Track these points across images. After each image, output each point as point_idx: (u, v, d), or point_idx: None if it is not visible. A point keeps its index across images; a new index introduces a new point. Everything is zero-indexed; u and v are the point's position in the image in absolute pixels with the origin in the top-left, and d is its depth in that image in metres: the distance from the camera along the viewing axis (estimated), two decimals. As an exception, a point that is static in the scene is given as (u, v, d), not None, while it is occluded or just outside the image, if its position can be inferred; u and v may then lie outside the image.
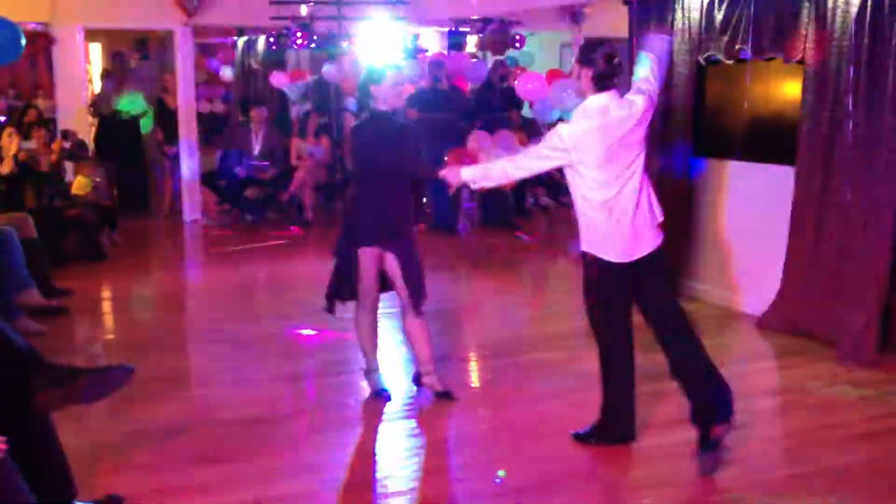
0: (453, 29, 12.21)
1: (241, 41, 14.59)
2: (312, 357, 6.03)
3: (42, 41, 10.47)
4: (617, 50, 4.24)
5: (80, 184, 9.18)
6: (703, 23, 6.97)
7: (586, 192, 4.26)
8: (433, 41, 13.26)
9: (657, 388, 4.93)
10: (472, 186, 4.74)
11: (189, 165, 11.27)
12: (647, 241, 4.33)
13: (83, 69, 11.01)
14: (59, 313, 6.81)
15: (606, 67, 4.19)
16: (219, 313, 7.30)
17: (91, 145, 10.93)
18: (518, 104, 11.29)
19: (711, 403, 4.26)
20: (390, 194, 4.96)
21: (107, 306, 7.81)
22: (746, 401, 5.22)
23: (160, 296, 7.97)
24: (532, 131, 11.59)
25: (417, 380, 5.30)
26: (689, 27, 7.10)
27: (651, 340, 4.43)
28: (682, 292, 7.45)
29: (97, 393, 3.57)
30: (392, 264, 4.98)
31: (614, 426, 4.53)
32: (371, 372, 5.24)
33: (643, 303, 4.43)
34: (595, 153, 4.16)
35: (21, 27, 6.74)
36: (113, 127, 11.73)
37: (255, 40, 13.89)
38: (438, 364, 5.30)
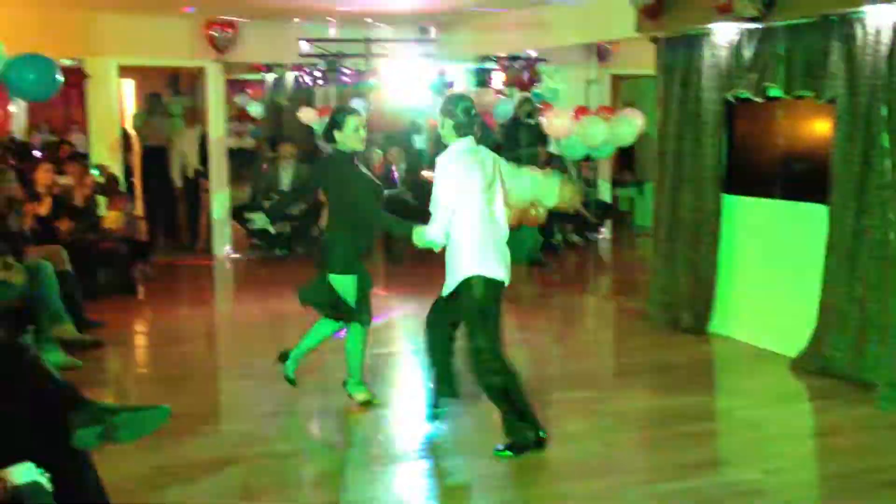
0: (479, 65, 12.30)
1: (269, 77, 14.76)
2: (340, 392, 6.02)
3: (76, 77, 10.62)
4: (474, 103, 4.90)
5: (112, 218, 9.28)
6: (732, 60, 6.98)
7: (474, 219, 4.77)
8: (459, 77, 13.35)
9: (686, 430, 4.88)
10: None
11: (219, 200, 11.38)
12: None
13: (116, 105, 11.16)
14: (93, 346, 6.86)
15: (465, 118, 4.83)
16: (248, 347, 7.33)
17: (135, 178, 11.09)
18: (545, 140, 11.33)
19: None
20: (358, 226, 5.40)
21: (139, 340, 7.87)
22: (781, 444, 5.18)
23: (191, 329, 8.00)
24: (558, 167, 11.62)
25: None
26: (717, 65, 7.11)
27: (678, 384, 4.40)
28: (713, 332, 7.42)
29: (134, 432, 3.58)
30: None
31: (530, 432, 4.86)
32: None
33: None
34: (475, 184, 4.76)
35: (57, 64, 6.84)
36: (147, 159, 11.93)
37: (284, 77, 14.03)
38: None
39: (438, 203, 4.79)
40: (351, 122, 5.34)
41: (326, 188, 5.55)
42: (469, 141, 4.88)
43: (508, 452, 4.82)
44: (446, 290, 4.92)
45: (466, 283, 4.78)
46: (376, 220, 5.40)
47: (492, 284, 4.78)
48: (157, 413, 3.71)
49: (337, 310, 5.49)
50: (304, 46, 10.55)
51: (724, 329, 7.38)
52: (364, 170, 5.55)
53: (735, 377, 6.64)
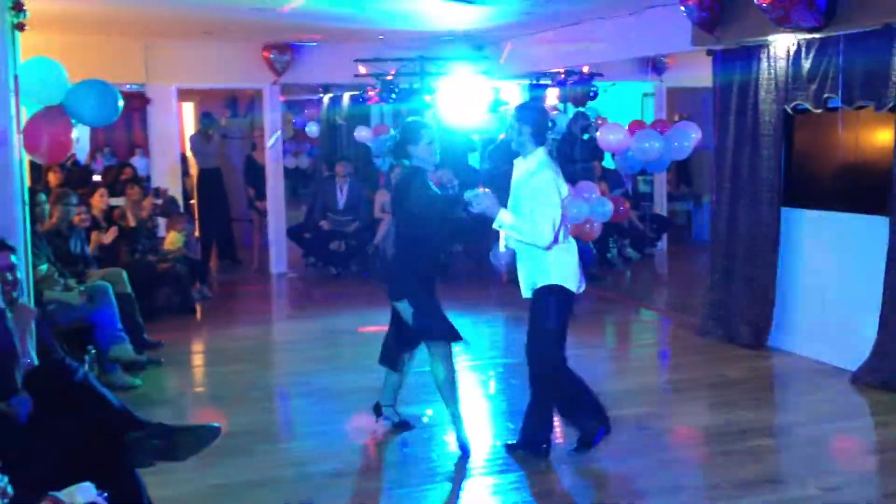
0: (534, 82, 12.28)
1: (326, 98, 14.94)
2: (401, 409, 6.03)
3: (137, 102, 10.86)
4: (548, 109, 4.80)
5: (171, 239, 9.44)
6: (790, 72, 6.87)
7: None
8: (513, 94, 13.34)
9: (743, 447, 4.79)
10: (500, 230, 4.95)
11: (276, 220, 11.54)
12: None
13: (176, 128, 11.38)
14: (152, 366, 6.98)
15: (542, 126, 4.93)
16: (305, 366, 7.38)
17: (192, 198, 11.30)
18: (600, 155, 11.27)
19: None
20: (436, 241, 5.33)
21: (197, 359, 7.99)
22: (842, 460, 5.06)
23: (248, 348, 8.07)
24: (614, 182, 11.53)
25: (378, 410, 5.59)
26: (776, 76, 7.00)
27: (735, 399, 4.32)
28: (771, 346, 7.27)
29: (187, 450, 3.64)
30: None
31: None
32: (455, 419, 5.24)
33: None
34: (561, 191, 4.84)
35: (118, 89, 6.98)
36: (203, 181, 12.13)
37: (340, 97, 14.20)
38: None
39: (544, 209, 4.73)
40: (425, 136, 5.06)
41: (403, 207, 5.14)
42: (545, 149, 4.98)
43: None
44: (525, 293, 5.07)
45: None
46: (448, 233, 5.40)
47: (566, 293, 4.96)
48: (209, 431, 3.77)
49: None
50: (360, 67, 10.67)
51: (782, 343, 7.24)
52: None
53: (794, 392, 6.51)
